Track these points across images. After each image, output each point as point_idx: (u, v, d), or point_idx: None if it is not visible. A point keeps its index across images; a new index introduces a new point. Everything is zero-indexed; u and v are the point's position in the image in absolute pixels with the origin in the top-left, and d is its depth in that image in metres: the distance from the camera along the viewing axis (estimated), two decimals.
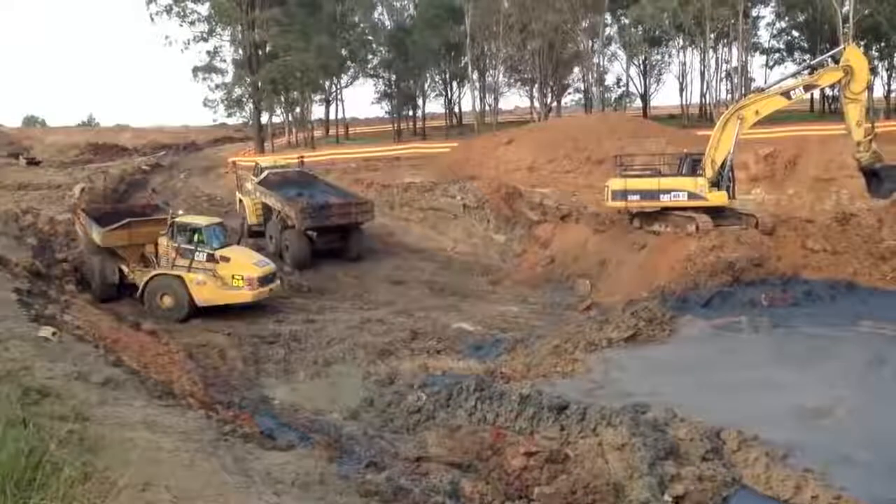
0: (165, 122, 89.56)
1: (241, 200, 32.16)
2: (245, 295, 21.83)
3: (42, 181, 35.86)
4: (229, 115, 61.74)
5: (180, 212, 24.66)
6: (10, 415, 7.07)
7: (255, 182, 31.31)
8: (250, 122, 58.46)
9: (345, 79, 72.24)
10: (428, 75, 74.30)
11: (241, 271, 21.86)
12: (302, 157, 38.29)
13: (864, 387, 14.21)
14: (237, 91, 57.67)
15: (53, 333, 13.03)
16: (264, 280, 22.05)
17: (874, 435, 11.83)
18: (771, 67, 75.37)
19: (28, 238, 24.66)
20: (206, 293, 21.70)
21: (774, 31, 75.50)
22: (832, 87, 28.96)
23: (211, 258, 21.80)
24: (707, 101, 67.99)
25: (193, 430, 9.34)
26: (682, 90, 73.75)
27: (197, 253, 21.83)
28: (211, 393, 15.02)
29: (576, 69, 70.47)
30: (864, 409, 13.02)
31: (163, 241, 22.45)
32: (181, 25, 53.70)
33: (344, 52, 66.60)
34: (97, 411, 8.81)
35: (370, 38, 71.41)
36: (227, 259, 21.94)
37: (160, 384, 12.76)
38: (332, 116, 73.90)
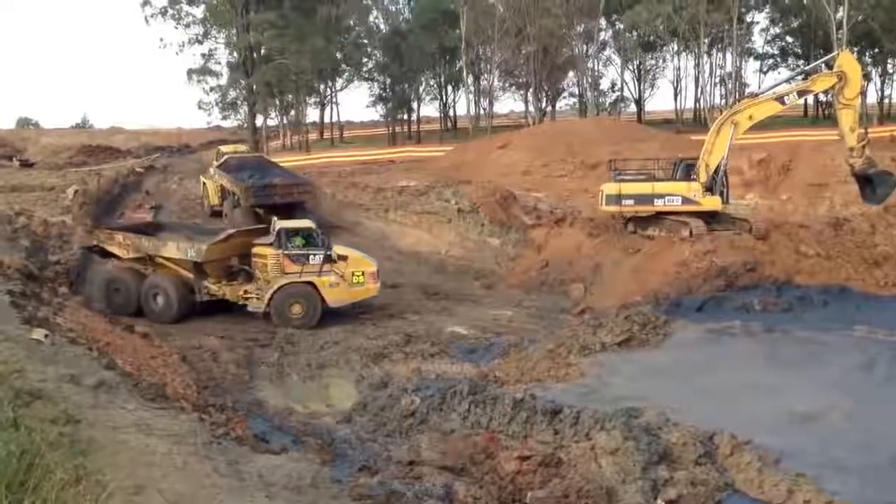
0: (160, 125, 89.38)
1: (204, 184, 34.67)
2: (372, 289, 22.29)
3: (35, 183, 35.69)
4: (224, 118, 61.92)
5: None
6: (2, 417, 7.04)
7: (215, 166, 33.93)
8: (245, 124, 58.43)
9: (340, 82, 72.39)
10: (423, 79, 74.43)
11: (360, 267, 22.10)
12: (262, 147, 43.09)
13: (857, 391, 14.24)
14: (232, 94, 57.76)
15: (46, 336, 12.97)
16: (378, 273, 22.48)
17: (867, 439, 11.86)
18: (765, 73, 76.00)
19: (21, 240, 24.48)
20: (338, 294, 21.80)
21: (768, 37, 76.14)
22: (826, 92, 29.02)
23: (328, 259, 21.73)
24: (701, 106, 68.30)
25: (186, 432, 9.32)
26: (676, 95, 74.29)
27: (313, 256, 21.70)
28: (204, 396, 14.97)
29: (570, 74, 70.86)
30: (857, 413, 13.05)
31: (267, 250, 21.88)
32: (176, 28, 53.85)
33: (339, 55, 66.64)
34: (89, 414, 8.78)
35: (365, 41, 71.53)
36: (344, 258, 22.00)
37: (153, 387, 12.71)
38: (326, 120, 74.01)
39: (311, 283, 21.59)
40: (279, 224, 22.44)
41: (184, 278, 22.17)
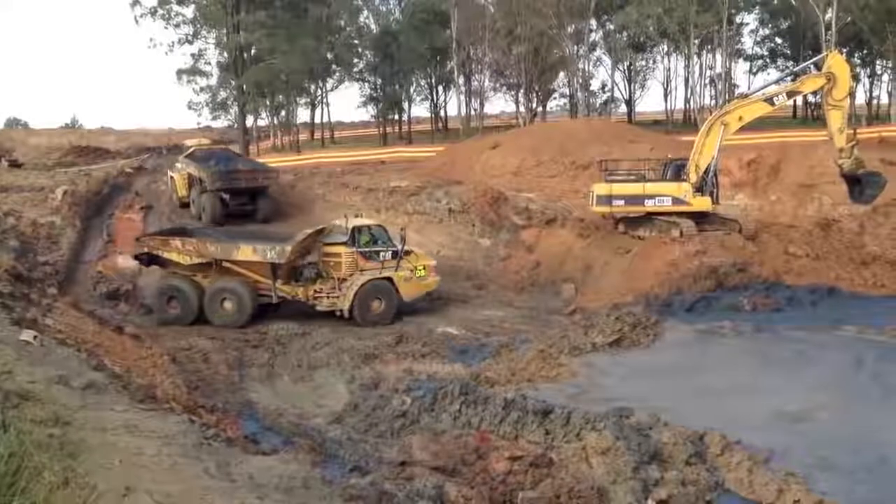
0: (149, 125, 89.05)
1: (172, 178, 36.41)
2: (433, 282, 23.34)
3: (24, 183, 35.47)
4: (214, 118, 61.72)
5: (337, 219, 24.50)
6: None
7: (182, 157, 36.30)
8: (235, 125, 58.26)
9: (330, 82, 72.23)
10: (414, 79, 74.34)
11: (422, 261, 23.14)
12: (222, 141, 47.56)
13: (846, 391, 14.33)
14: (222, 94, 57.58)
15: (35, 337, 12.88)
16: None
17: (856, 439, 11.92)
18: (754, 74, 76.37)
19: (10, 241, 24.33)
20: (410, 288, 22.58)
21: (758, 38, 76.49)
22: (815, 93, 29.17)
23: (395, 255, 22.40)
24: (691, 107, 68.49)
25: (176, 434, 9.27)
26: (666, 96, 74.61)
27: (383, 252, 22.45)
28: (194, 397, 14.91)
29: (561, 74, 70.80)
30: (846, 413, 13.13)
31: (340, 248, 22.32)
32: (166, 28, 53.54)
33: (329, 55, 66.50)
34: (78, 415, 8.72)
35: (356, 41, 71.38)
36: (408, 253, 22.72)
37: (143, 388, 12.64)
38: (317, 120, 73.83)
39: (389, 279, 22.17)
40: (352, 222, 22.87)
41: (252, 281, 22.10)
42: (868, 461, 11.15)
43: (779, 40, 75.26)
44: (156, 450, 8.20)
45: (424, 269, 22.99)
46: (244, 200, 33.49)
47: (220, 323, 21.50)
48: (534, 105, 69.76)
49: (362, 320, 21.77)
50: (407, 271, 22.52)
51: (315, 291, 22.26)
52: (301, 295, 22.31)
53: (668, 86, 74.77)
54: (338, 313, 22.00)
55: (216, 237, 23.14)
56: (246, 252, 21.75)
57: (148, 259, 22.83)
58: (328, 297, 22.17)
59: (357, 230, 22.48)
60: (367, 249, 22.37)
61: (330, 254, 22.57)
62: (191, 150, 36.90)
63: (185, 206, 34.98)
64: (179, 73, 55.97)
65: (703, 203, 24.60)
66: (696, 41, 61.95)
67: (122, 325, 19.62)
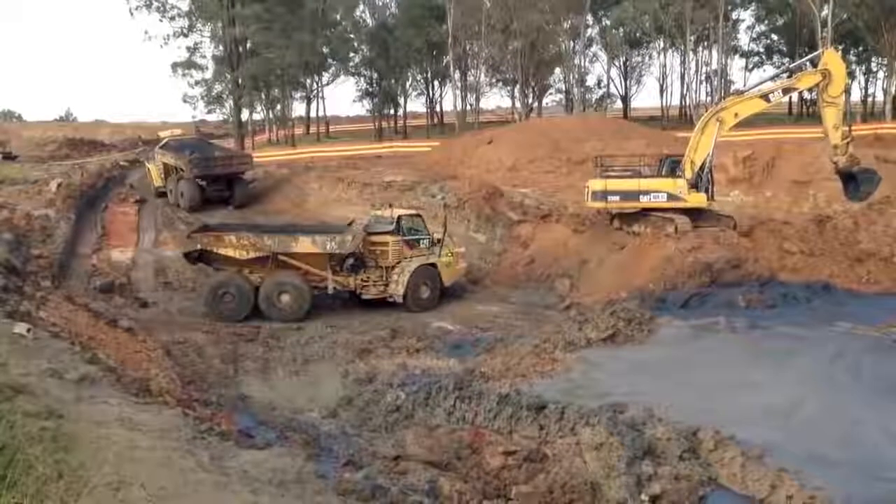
0: (144, 118, 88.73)
1: (148, 169, 37.27)
2: (462, 268, 24.83)
3: (18, 176, 35.30)
4: (209, 112, 61.52)
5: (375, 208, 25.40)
6: None
7: (157, 148, 37.17)
8: (230, 119, 58.09)
9: (326, 77, 72.06)
10: (410, 74, 74.21)
11: (453, 248, 24.11)
12: (199, 129, 49.22)
13: (839, 387, 14.33)
14: (217, 87, 57.38)
15: (28, 330, 12.86)
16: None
17: (848, 434, 11.94)
18: (750, 70, 76.30)
19: (3, 233, 24.23)
20: (450, 274, 23.65)
21: (754, 35, 76.47)
22: (810, 90, 29.20)
23: (431, 242, 23.35)
24: (687, 103, 68.59)
25: (170, 427, 9.27)
26: (662, 92, 74.46)
27: (422, 240, 23.34)
28: (188, 391, 14.90)
29: (557, 70, 70.79)
30: (839, 409, 13.13)
31: (387, 237, 22.97)
32: (161, 21, 53.38)
33: (325, 49, 66.35)
34: (72, 409, 8.71)
35: (352, 35, 71.22)
36: (440, 240, 23.48)
37: (137, 382, 12.62)
38: (312, 114, 73.67)
39: (433, 265, 23.06)
40: (398, 211, 23.79)
41: (308, 273, 22.20)
42: (860, 456, 11.16)
43: (775, 37, 75.30)
44: (149, 443, 8.20)
45: (453, 255, 23.96)
46: (221, 186, 34.58)
47: (278, 317, 21.44)
48: (529, 100, 69.73)
49: (415, 305, 22.55)
50: (447, 257, 23.45)
51: (362, 280, 22.70)
52: (352, 284, 22.74)
53: (663, 82, 74.85)
54: (389, 299, 22.65)
55: (271, 231, 23.21)
56: (305, 244, 21.94)
57: (199, 256, 22.66)
58: (374, 286, 22.74)
59: (402, 219, 23.30)
60: (410, 238, 23.19)
61: (376, 243, 23.06)
62: (164, 140, 37.99)
63: (161, 194, 35.68)
64: (174, 66, 55.86)
65: (698, 199, 24.61)
66: (693, 37, 61.96)
67: (116, 319, 19.58)
